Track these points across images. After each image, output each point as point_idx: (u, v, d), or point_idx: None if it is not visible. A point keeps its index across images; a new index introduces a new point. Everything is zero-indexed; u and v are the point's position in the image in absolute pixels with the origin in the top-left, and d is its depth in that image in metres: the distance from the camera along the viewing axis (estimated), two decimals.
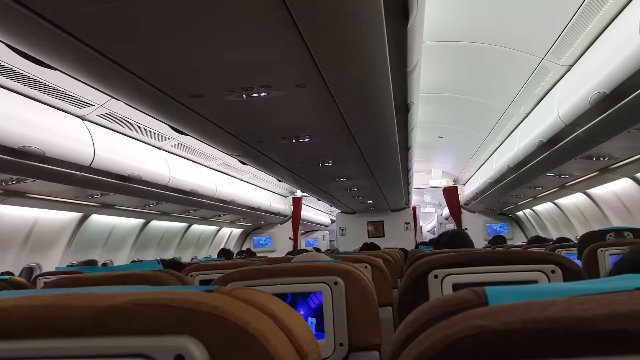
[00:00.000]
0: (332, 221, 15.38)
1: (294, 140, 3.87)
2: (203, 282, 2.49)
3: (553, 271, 1.41)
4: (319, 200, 9.89)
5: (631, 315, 0.37)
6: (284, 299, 1.52)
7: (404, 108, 3.59)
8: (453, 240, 2.90)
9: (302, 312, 1.51)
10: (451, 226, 13.26)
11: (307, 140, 3.87)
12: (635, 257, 0.65)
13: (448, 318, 0.45)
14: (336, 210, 11.66)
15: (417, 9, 2.07)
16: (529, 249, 4.53)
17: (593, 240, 3.41)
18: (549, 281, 1.39)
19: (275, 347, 0.53)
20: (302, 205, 12.54)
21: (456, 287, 1.43)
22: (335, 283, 1.51)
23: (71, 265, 5.62)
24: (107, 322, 0.52)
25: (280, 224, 12.55)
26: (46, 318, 0.53)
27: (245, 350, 0.52)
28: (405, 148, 5.20)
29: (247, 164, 5.07)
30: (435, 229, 17.79)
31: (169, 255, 9.03)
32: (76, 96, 4.11)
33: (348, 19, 1.90)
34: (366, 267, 2.56)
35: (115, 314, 0.52)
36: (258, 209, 9.88)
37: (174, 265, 2.71)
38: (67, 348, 0.51)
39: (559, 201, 8.23)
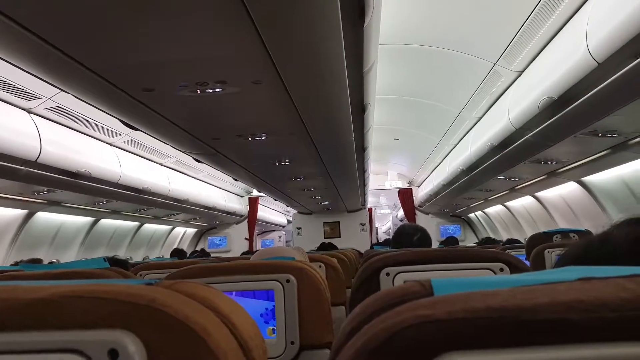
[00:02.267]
0: (289, 222, 15.35)
1: (250, 139, 3.83)
2: None
3: (501, 269, 1.44)
4: (275, 200, 9.85)
5: (571, 305, 0.37)
6: (243, 297, 1.49)
7: (360, 108, 3.61)
8: (418, 239, 2.90)
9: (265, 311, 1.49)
10: None
11: (263, 138, 3.83)
12: (575, 252, 0.67)
13: (393, 309, 0.44)
14: (293, 211, 11.64)
15: (373, 10, 2.08)
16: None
17: (540, 241, 3.53)
18: None
19: (217, 342, 0.51)
20: (259, 205, 12.46)
21: None
22: (288, 281, 1.50)
23: (15, 264, 5.39)
24: (34, 315, 0.48)
25: (236, 224, 12.42)
26: None
27: (184, 345, 0.50)
28: (362, 149, 5.24)
29: (202, 162, 4.99)
30: (391, 230, 18.01)
31: (119, 255, 8.79)
32: (23, 88, 3.95)
33: (304, 19, 1.88)
34: (320, 266, 2.56)
35: (42, 306, 0.49)
36: (213, 209, 9.75)
37: (120, 263, 2.64)
38: None
39: (509, 204, 8.48)
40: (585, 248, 0.66)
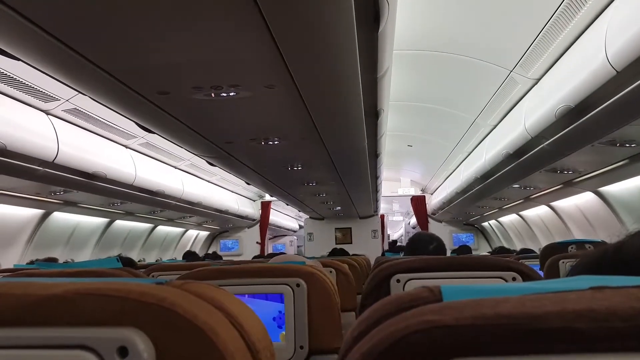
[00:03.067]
0: (301, 227, 15.36)
1: (262, 143, 3.85)
2: None
3: (514, 278, 1.43)
4: (287, 205, 9.86)
5: (582, 314, 0.37)
6: (255, 298, 1.50)
7: (373, 114, 3.61)
8: (434, 248, 2.87)
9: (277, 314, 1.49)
10: None
11: (276, 142, 3.85)
12: (589, 262, 0.66)
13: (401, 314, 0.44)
14: (304, 216, 11.65)
15: (388, 15, 2.08)
16: None
17: (555, 251, 3.49)
18: None
19: (225, 342, 0.51)
20: (271, 209, 12.48)
21: None
22: (298, 285, 1.50)
23: (31, 263, 5.46)
24: (46, 311, 0.49)
25: (248, 227, 12.45)
26: None
27: (193, 344, 0.50)
28: (375, 155, 5.23)
29: (215, 166, 5.01)
30: (403, 238, 17.93)
31: (132, 256, 8.85)
32: (41, 90, 4.00)
33: (319, 23, 1.89)
34: (331, 272, 2.56)
35: (55, 303, 0.50)
36: (226, 212, 9.78)
37: (130, 263, 2.67)
38: (2, 337, 0.48)
39: (524, 213, 8.40)
40: (599, 257, 0.65)
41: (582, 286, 0.44)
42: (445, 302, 0.46)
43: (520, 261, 4.07)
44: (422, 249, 2.82)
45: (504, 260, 1.53)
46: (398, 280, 1.46)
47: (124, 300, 0.50)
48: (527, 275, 1.46)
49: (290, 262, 1.75)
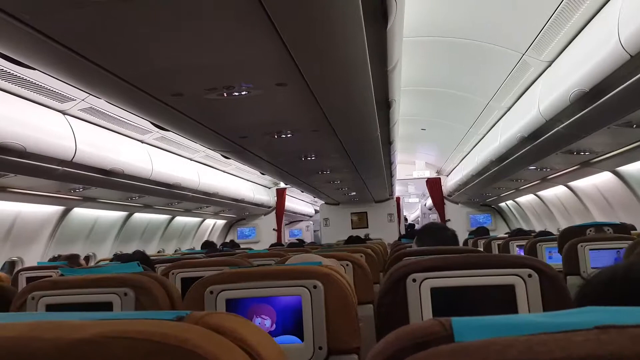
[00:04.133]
0: (316, 211, 15.43)
1: (276, 136, 3.87)
2: (184, 280, 2.51)
3: (530, 275, 1.43)
4: (302, 192, 9.89)
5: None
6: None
7: (385, 105, 3.60)
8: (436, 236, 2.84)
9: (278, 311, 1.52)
10: (434, 216, 13.35)
11: (289, 135, 3.87)
12: (597, 283, 0.67)
13: (415, 349, 0.47)
14: (320, 201, 11.68)
15: (396, 11, 2.07)
16: (510, 242, 4.55)
17: (573, 235, 3.47)
18: (526, 285, 1.42)
19: None
20: (286, 196, 12.54)
21: (434, 291, 1.46)
22: (315, 287, 1.53)
23: (53, 259, 5.58)
24: (77, 355, 0.52)
25: (264, 215, 12.54)
26: (16, 350, 0.54)
27: None
28: (388, 142, 5.22)
29: (229, 158, 5.06)
30: (419, 219, 17.90)
31: (152, 247, 8.99)
32: (57, 91, 4.06)
33: (327, 22, 1.90)
34: (348, 265, 2.59)
35: (84, 347, 0.53)
36: (242, 201, 9.86)
37: (146, 260, 2.72)
38: None
39: (541, 193, 8.33)
40: (609, 279, 0.66)
41: (589, 322, 0.45)
42: (456, 344, 0.48)
43: (538, 244, 4.01)
44: (432, 239, 2.79)
45: (519, 257, 1.54)
46: (414, 280, 1.48)
47: (147, 342, 0.53)
48: (543, 271, 1.47)
49: (307, 262, 1.78)
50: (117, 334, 0.54)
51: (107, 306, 1.62)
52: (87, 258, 6.90)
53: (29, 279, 3.66)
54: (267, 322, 1.54)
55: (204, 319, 0.62)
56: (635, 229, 4.96)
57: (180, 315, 0.62)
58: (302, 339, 1.51)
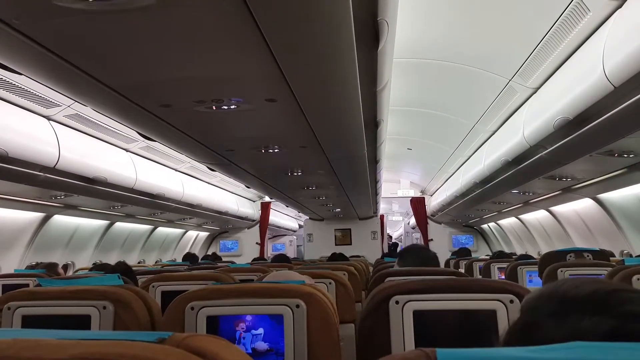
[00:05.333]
0: (300, 226, 15.39)
1: (263, 151, 3.87)
2: (165, 294, 2.47)
3: (511, 301, 1.44)
4: (287, 206, 9.87)
5: None
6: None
7: (373, 124, 3.63)
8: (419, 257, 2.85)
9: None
10: (417, 235, 13.40)
11: (276, 151, 3.87)
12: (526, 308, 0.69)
13: None
14: (304, 216, 11.66)
15: (387, 34, 2.10)
16: (491, 264, 4.60)
17: (554, 259, 3.51)
18: (507, 311, 1.43)
19: None
20: (271, 210, 12.50)
21: (417, 314, 1.46)
22: (297, 306, 1.52)
23: (30, 267, 5.48)
24: None
25: (248, 228, 12.47)
26: None
27: None
28: (374, 161, 5.25)
29: (215, 171, 5.04)
30: (402, 237, 17.96)
31: (132, 257, 8.87)
32: (42, 96, 4.02)
33: (319, 42, 1.91)
34: (330, 283, 2.58)
35: None
36: (225, 213, 9.80)
37: (127, 272, 2.67)
38: None
39: (523, 217, 8.41)
40: (537, 298, 0.66)
41: (575, 358, 0.46)
42: None
43: (519, 267, 4.04)
44: (414, 259, 2.79)
45: (500, 282, 1.54)
46: (397, 302, 1.48)
47: None
48: (523, 297, 1.47)
49: (290, 281, 1.77)
50: (99, 356, 0.52)
51: (85, 319, 1.59)
52: (65, 266, 6.78)
53: (5, 287, 3.59)
54: (248, 337, 1.52)
55: (185, 341, 0.61)
56: (614, 256, 5.03)
57: (162, 337, 0.61)
58: (283, 358, 1.49)
